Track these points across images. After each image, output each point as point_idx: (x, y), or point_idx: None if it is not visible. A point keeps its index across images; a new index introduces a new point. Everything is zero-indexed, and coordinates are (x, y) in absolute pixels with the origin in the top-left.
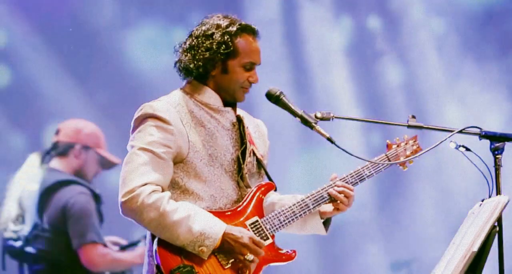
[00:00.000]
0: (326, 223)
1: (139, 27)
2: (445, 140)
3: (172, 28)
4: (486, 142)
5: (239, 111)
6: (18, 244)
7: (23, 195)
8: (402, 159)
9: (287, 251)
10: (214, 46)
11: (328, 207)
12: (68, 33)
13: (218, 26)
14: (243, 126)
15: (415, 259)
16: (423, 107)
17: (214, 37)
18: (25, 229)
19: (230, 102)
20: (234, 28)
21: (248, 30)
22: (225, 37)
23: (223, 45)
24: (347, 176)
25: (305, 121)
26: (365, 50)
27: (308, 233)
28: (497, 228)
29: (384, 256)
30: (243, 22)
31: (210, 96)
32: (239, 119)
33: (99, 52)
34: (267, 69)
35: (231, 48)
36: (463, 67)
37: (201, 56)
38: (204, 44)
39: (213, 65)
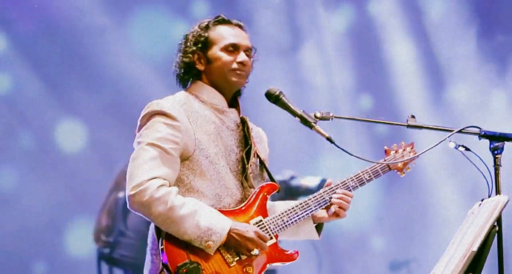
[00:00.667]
0: (318, 227)
1: (139, 24)
2: (444, 139)
3: (173, 22)
4: (486, 142)
5: (245, 116)
6: (106, 250)
7: (112, 205)
8: (400, 165)
9: (290, 252)
10: (190, 43)
11: (324, 213)
12: (67, 33)
13: (193, 28)
14: (247, 128)
15: (415, 259)
16: (430, 91)
17: (189, 37)
18: (113, 236)
19: (233, 103)
20: (206, 23)
21: (220, 22)
22: (198, 33)
23: (197, 39)
24: (347, 180)
25: (304, 121)
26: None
27: (300, 239)
28: (497, 228)
29: (384, 256)
30: (219, 18)
31: (214, 96)
32: (243, 121)
33: (101, 50)
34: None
35: (205, 39)
36: (468, 46)
37: (183, 56)
38: (183, 46)
39: (198, 60)
